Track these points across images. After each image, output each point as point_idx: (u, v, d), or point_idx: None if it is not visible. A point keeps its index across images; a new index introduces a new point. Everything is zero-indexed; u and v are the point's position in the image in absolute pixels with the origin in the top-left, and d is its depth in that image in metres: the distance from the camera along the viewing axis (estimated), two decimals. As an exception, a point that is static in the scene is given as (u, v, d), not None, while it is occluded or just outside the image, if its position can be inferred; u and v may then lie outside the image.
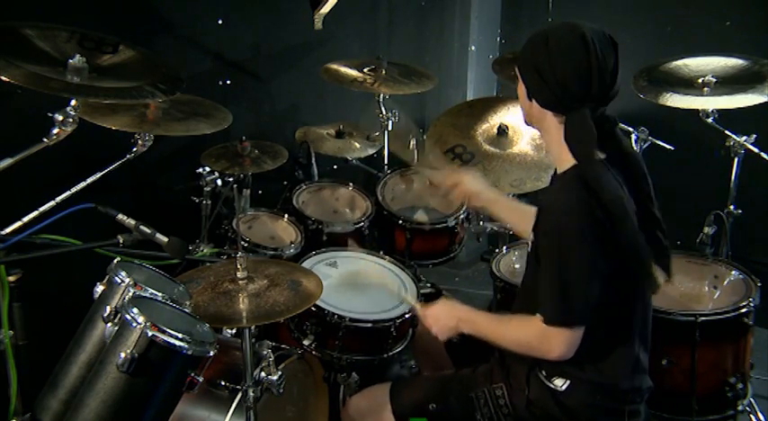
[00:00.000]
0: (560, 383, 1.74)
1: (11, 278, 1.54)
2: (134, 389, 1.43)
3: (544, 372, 1.76)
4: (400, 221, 2.81)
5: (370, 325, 2.18)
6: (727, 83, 2.66)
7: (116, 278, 1.56)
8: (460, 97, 4.15)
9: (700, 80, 2.68)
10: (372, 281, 2.38)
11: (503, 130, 2.59)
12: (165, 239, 1.61)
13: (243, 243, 2.46)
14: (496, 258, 2.63)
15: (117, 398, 1.41)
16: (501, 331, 1.78)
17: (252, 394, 1.78)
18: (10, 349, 1.55)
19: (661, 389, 1.86)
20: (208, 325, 1.58)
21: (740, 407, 2.30)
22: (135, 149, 2.19)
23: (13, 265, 1.54)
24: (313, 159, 3.00)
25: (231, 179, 2.58)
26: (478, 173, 2.19)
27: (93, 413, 1.41)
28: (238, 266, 1.79)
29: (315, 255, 2.44)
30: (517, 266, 2.65)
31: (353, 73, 3.07)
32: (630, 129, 2.83)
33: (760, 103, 2.55)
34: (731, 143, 2.70)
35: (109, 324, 1.47)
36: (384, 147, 3.22)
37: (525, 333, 1.70)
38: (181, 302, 1.58)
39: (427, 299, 2.49)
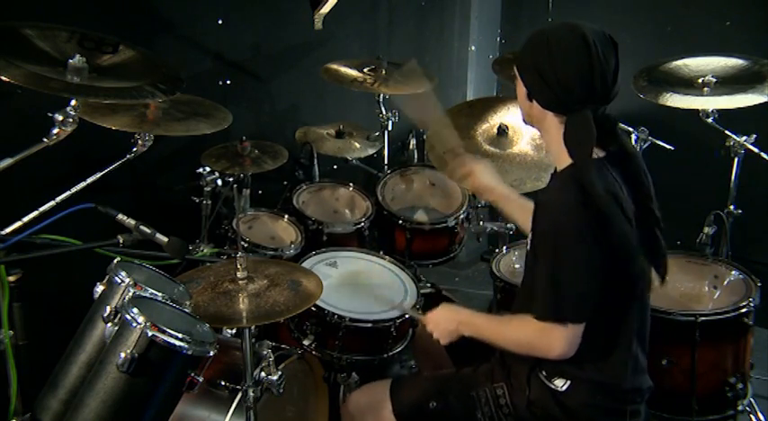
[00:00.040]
0: (560, 384, 1.74)
1: (11, 278, 1.54)
2: (134, 389, 1.43)
3: (544, 373, 1.76)
4: (400, 221, 2.81)
5: (370, 325, 2.18)
6: (727, 83, 2.66)
7: (116, 278, 1.56)
8: (460, 97, 4.15)
9: (700, 80, 2.68)
10: (375, 283, 2.38)
11: (503, 130, 2.59)
12: (165, 239, 1.61)
13: (243, 243, 2.46)
14: (496, 258, 2.63)
15: (117, 398, 1.41)
16: (501, 332, 1.78)
17: (252, 394, 1.78)
18: (10, 349, 1.54)
19: (661, 389, 1.86)
20: (208, 325, 1.58)
21: (740, 407, 2.31)
22: (135, 149, 2.19)
23: (13, 265, 1.54)
24: (315, 160, 3.00)
25: (231, 179, 2.58)
26: (491, 164, 2.15)
27: (93, 413, 1.41)
28: (238, 266, 1.79)
29: (315, 254, 2.44)
30: (517, 266, 2.65)
31: (353, 73, 3.07)
32: (630, 129, 2.83)
33: (760, 103, 2.55)
34: (731, 143, 2.70)
35: (109, 324, 1.47)
36: (384, 147, 3.23)
37: (525, 332, 1.70)
38: (181, 302, 1.58)
39: (427, 299, 2.49)
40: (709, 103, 2.63)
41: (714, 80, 2.66)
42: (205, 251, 2.55)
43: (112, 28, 2.01)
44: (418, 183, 3.09)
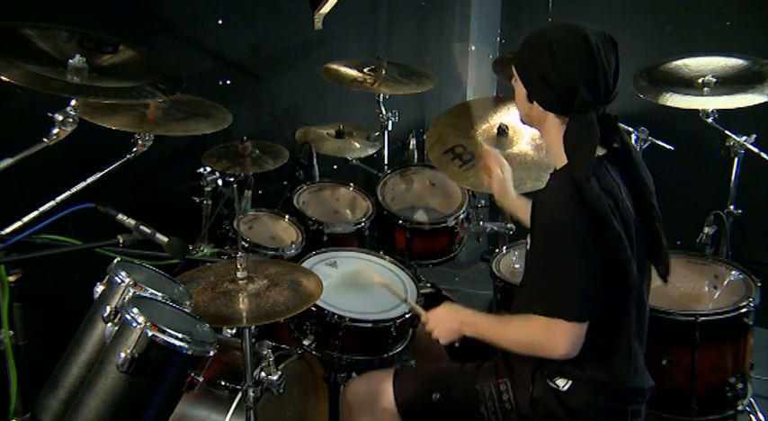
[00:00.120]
0: (562, 383, 1.74)
1: (11, 278, 1.54)
2: (134, 389, 1.43)
3: (546, 372, 1.76)
4: (400, 221, 2.81)
5: (370, 325, 2.18)
6: (727, 83, 2.66)
7: (116, 278, 1.56)
8: (460, 97, 4.15)
9: (700, 80, 2.68)
10: (375, 283, 2.38)
11: (503, 130, 2.59)
12: (165, 239, 1.61)
13: (243, 243, 2.46)
14: (496, 258, 2.63)
15: (117, 398, 1.41)
16: (504, 332, 1.78)
17: (252, 394, 1.78)
18: (10, 349, 1.54)
19: (661, 389, 1.85)
20: (208, 325, 1.58)
21: (740, 407, 2.30)
22: (135, 149, 2.19)
23: (13, 265, 1.54)
24: (315, 160, 3.00)
25: (232, 179, 2.58)
26: (510, 169, 2.18)
27: (93, 413, 1.41)
28: (238, 266, 1.79)
29: (315, 254, 2.44)
30: (517, 266, 2.65)
31: (353, 73, 3.07)
32: (630, 129, 2.83)
33: (760, 103, 2.55)
34: (731, 143, 2.70)
35: (109, 324, 1.47)
36: (384, 147, 3.23)
37: (528, 332, 1.70)
38: (181, 302, 1.58)
39: (427, 299, 2.49)
40: (709, 102, 2.63)
41: (714, 80, 2.66)
42: (205, 251, 2.55)
43: (112, 28, 2.01)
44: (418, 183, 3.09)
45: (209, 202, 2.62)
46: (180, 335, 1.44)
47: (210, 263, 2.04)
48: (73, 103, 1.70)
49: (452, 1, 4.06)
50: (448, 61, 4.14)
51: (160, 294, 1.56)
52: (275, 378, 1.82)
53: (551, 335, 1.64)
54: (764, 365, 2.81)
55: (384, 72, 3.09)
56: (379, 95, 3.16)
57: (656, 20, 3.59)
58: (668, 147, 2.91)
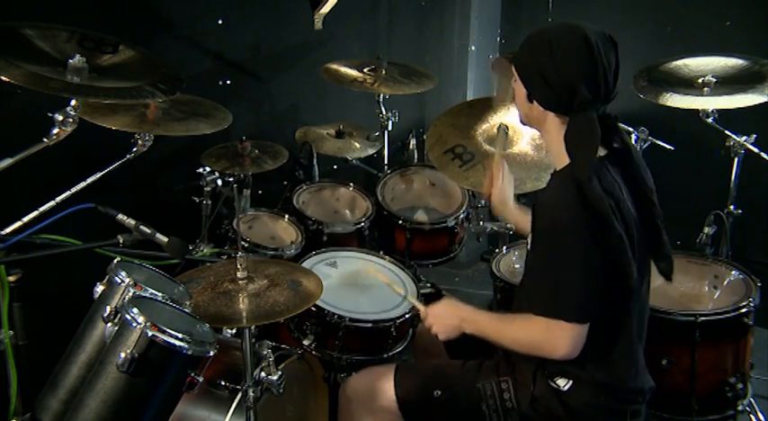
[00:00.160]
0: (563, 383, 1.74)
1: (11, 278, 1.54)
2: (134, 389, 1.43)
3: (548, 372, 1.76)
4: (400, 221, 2.81)
5: (370, 325, 2.18)
6: (727, 83, 2.66)
7: (116, 278, 1.56)
8: (460, 97, 4.15)
9: (700, 80, 2.68)
10: (375, 283, 2.38)
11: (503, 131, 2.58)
12: (165, 239, 1.61)
13: (243, 243, 2.46)
14: (496, 258, 2.63)
15: (117, 398, 1.41)
16: (504, 331, 1.78)
17: (252, 394, 1.78)
18: (10, 349, 1.54)
19: (661, 389, 1.85)
20: (208, 325, 1.58)
21: (740, 407, 2.30)
22: (135, 149, 2.19)
23: (13, 265, 1.54)
24: (315, 160, 3.00)
25: (231, 179, 2.58)
26: (513, 180, 2.21)
27: (93, 413, 1.41)
28: (238, 266, 1.79)
29: (315, 254, 2.44)
30: (517, 266, 2.65)
31: (353, 73, 3.07)
32: (630, 129, 2.83)
33: (760, 103, 2.55)
34: (731, 143, 2.70)
35: (109, 324, 1.47)
36: (384, 147, 3.23)
37: (529, 332, 1.69)
38: (181, 302, 1.58)
39: (427, 299, 2.49)
40: (709, 102, 2.63)
41: (714, 80, 2.66)
42: (205, 251, 2.55)
43: (112, 28, 2.01)
44: (418, 183, 3.09)
45: (209, 202, 2.62)
46: (180, 335, 1.43)
47: (210, 263, 2.04)
48: (73, 102, 1.70)
49: (452, 1, 4.06)
50: (448, 61, 4.14)
51: (160, 294, 1.56)
52: (275, 378, 1.82)
53: (552, 336, 1.64)
54: (764, 365, 2.81)
55: (384, 72, 3.09)
56: (379, 95, 3.17)
57: (656, 20, 3.59)
58: (668, 147, 2.91)
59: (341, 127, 3.17)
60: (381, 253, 2.55)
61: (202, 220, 2.64)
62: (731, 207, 2.78)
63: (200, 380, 1.68)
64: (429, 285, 3.00)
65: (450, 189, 3.00)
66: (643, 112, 2.98)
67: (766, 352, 2.92)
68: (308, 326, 2.20)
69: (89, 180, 1.99)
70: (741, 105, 2.57)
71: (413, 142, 3.51)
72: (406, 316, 2.22)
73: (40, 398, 1.56)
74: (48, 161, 1.80)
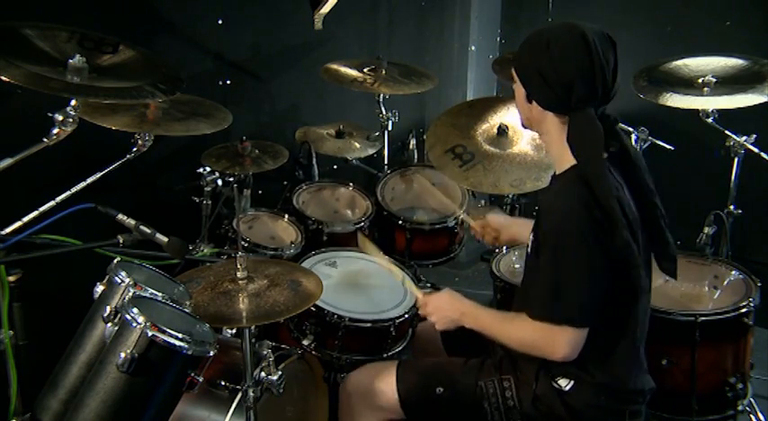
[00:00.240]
0: (564, 383, 1.74)
1: (11, 278, 1.54)
2: (134, 389, 1.43)
3: (550, 372, 1.76)
4: (400, 221, 2.81)
5: (369, 325, 2.18)
6: (727, 83, 2.66)
7: (116, 278, 1.56)
8: (460, 97, 4.15)
9: (700, 80, 2.68)
10: (374, 283, 2.38)
11: (503, 130, 2.58)
12: (165, 239, 1.61)
13: (243, 243, 2.46)
14: (496, 258, 2.63)
15: (117, 398, 1.41)
16: (504, 329, 1.78)
17: (252, 394, 1.78)
18: (10, 349, 1.54)
19: (661, 389, 1.85)
20: (208, 325, 1.58)
21: (740, 407, 2.30)
22: (135, 149, 2.19)
23: (13, 265, 1.54)
24: (314, 160, 3.00)
25: (232, 179, 2.58)
26: (498, 211, 2.32)
27: (93, 413, 1.41)
28: (238, 266, 1.79)
29: (314, 254, 2.44)
30: (517, 266, 2.65)
31: (353, 73, 3.07)
32: (630, 129, 2.83)
33: (760, 103, 2.55)
34: (731, 143, 2.70)
35: (109, 324, 1.47)
36: (384, 147, 3.23)
37: (529, 332, 1.69)
38: (181, 302, 1.58)
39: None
40: (709, 102, 2.63)
41: (714, 80, 2.66)
42: (205, 251, 2.55)
43: (112, 28, 2.01)
44: (418, 183, 3.09)
45: (209, 202, 2.62)
46: (180, 335, 1.44)
47: (210, 263, 2.04)
48: (73, 102, 1.70)
49: (452, 1, 4.06)
50: (448, 61, 4.14)
51: (160, 294, 1.56)
52: (275, 378, 1.82)
53: (551, 338, 1.64)
54: (764, 365, 2.81)
55: (384, 72, 3.09)
56: (379, 95, 3.17)
57: (656, 20, 3.59)
58: (668, 147, 2.91)
59: (341, 127, 3.17)
60: (381, 253, 2.54)
61: (202, 220, 2.64)
62: (731, 207, 2.78)
63: (200, 380, 1.68)
64: (429, 285, 3.00)
65: (450, 189, 3.00)
66: (643, 112, 2.98)
67: (766, 352, 2.92)
68: (307, 326, 2.20)
69: (89, 180, 1.99)
70: (741, 105, 2.57)
71: (413, 142, 3.51)
72: (406, 316, 2.22)
73: (40, 398, 1.56)
74: (48, 161, 1.80)
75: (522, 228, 2.17)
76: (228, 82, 3.01)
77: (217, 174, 2.56)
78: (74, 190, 1.92)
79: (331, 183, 3.07)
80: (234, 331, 2.20)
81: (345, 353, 2.20)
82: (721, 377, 2.27)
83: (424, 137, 2.88)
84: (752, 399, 2.42)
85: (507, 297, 2.42)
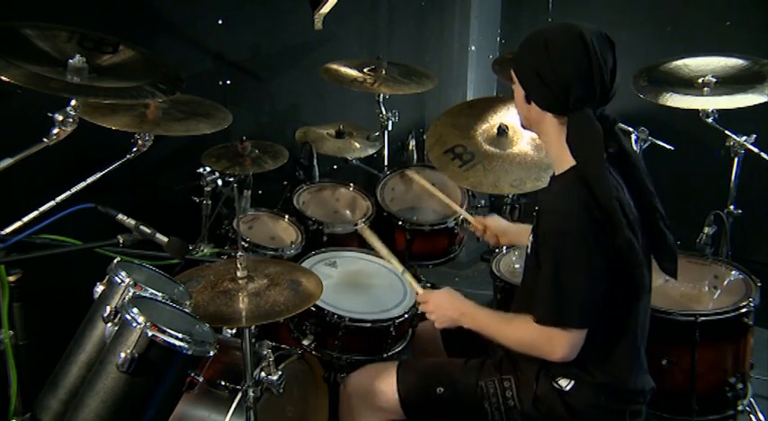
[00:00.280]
0: (565, 383, 1.74)
1: (11, 278, 1.54)
2: (134, 389, 1.43)
3: (550, 372, 1.76)
4: (400, 222, 2.81)
5: (369, 325, 2.18)
6: (727, 83, 2.66)
7: (116, 278, 1.56)
8: (460, 97, 4.15)
9: (700, 80, 2.68)
10: (374, 283, 2.38)
11: (503, 130, 2.59)
12: (165, 239, 1.61)
13: (243, 243, 2.46)
14: (496, 258, 2.63)
15: (117, 398, 1.41)
16: (503, 330, 1.78)
17: (252, 394, 1.78)
18: (10, 349, 1.54)
19: (661, 389, 1.85)
20: (208, 325, 1.58)
21: (740, 407, 2.30)
22: (135, 149, 2.19)
23: (13, 265, 1.54)
24: (315, 160, 3.00)
25: (232, 179, 2.58)
26: (497, 216, 2.34)
27: (93, 413, 1.41)
28: (238, 266, 1.79)
29: (314, 254, 2.44)
30: (517, 266, 2.65)
31: (353, 73, 3.07)
32: (630, 129, 2.83)
33: (760, 103, 2.55)
34: (731, 143, 2.70)
35: (109, 324, 1.47)
36: (384, 147, 3.22)
37: (528, 333, 1.70)
38: (181, 302, 1.58)
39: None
40: (709, 102, 2.63)
41: (714, 80, 2.66)
42: (205, 251, 2.55)
43: (112, 28, 2.01)
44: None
45: (209, 202, 2.62)
46: (180, 335, 1.43)
47: (210, 263, 2.04)
48: (73, 102, 1.70)
49: (452, 1, 4.06)
50: (448, 61, 4.14)
51: (160, 294, 1.56)
52: (275, 378, 1.82)
53: (550, 339, 1.65)
54: (764, 365, 2.81)
55: (384, 72, 3.09)
56: (379, 95, 3.16)
57: (656, 20, 3.59)
58: (668, 147, 2.91)
59: (341, 127, 3.17)
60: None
61: (202, 220, 2.64)
62: (731, 207, 2.78)
63: (200, 380, 1.68)
64: (429, 285, 2.99)
65: (449, 190, 3.00)
66: (643, 112, 2.98)
67: (766, 352, 2.92)
68: (307, 326, 2.20)
69: (89, 180, 1.99)
70: (741, 105, 2.57)
71: (413, 142, 3.51)
72: (406, 316, 2.22)
73: (40, 398, 1.56)
74: (48, 161, 1.80)
75: (521, 235, 2.18)
76: (228, 82, 3.01)
77: (217, 174, 2.56)
78: (74, 190, 1.92)
79: (331, 184, 3.07)
80: (234, 331, 2.20)
81: (345, 353, 2.20)
82: (721, 377, 2.27)
83: (424, 137, 2.87)
84: (752, 399, 2.42)
85: (507, 297, 2.42)
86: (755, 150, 2.68)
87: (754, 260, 2.95)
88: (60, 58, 1.75)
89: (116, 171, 2.10)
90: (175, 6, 2.76)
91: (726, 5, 3.40)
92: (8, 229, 1.64)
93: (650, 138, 2.85)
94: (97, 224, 1.66)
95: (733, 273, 2.46)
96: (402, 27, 3.83)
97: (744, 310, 2.23)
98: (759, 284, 2.34)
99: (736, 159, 2.72)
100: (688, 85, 2.70)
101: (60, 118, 1.69)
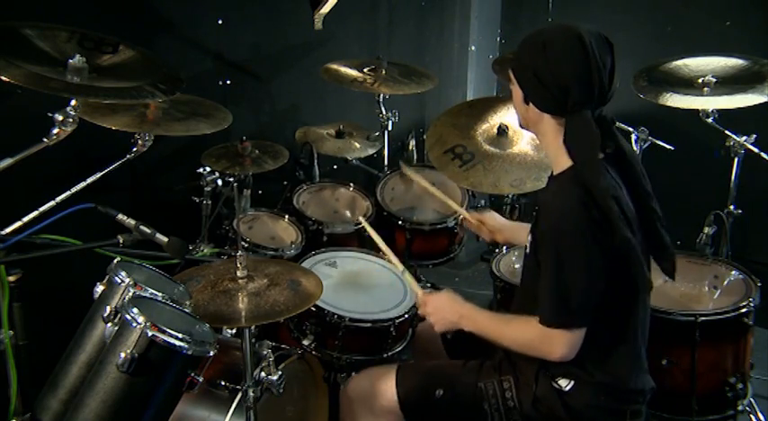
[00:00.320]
0: (564, 384, 1.74)
1: (11, 278, 1.53)
2: (134, 389, 1.43)
3: (550, 372, 1.76)
4: (400, 221, 2.81)
5: (369, 325, 2.18)
6: (727, 83, 2.66)
7: (116, 278, 1.56)
8: (460, 97, 4.15)
9: (700, 80, 2.68)
10: (374, 283, 2.38)
11: (503, 130, 2.59)
12: (165, 239, 1.61)
13: (243, 243, 2.46)
14: (496, 258, 2.63)
15: (117, 398, 1.41)
16: (502, 331, 1.78)
17: (252, 394, 1.78)
18: (10, 349, 1.54)
19: (661, 389, 1.85)
20: (208, 325, 1.58)
21: (740, 407, 2.30)
22: (135, 149, 2.19)
23: (13, 265, 1.54)
24: (315, 160, 3.00)
25: (232, 179, 2.58)
26: (493, 212, 2.32)
27: (93, 413, 1.41)
28: (238, 265, 1.79)
29: (314, 254, 2.44)
30: (517, 266, 2.65)
31: (353, 73, 3.07)
32: (630, 129, 2.83)
33: (760, 103, 2.55)
34: (731, 143, 2.70)
35: (109, 324, 1.47)
36: (384, 147, 3.23)
37: (526, 334, 1.70)
38: (181, 302, 1.58)
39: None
40: (709, 102, 2.63)
41: (714, 80, 2.66)
42: (205, 251, 2.55)
43: (112, 28, 2.01)
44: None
45: (209, 202, 2.62)
46: (180, 335, 1.43)
47: (210, 263, 2.04)
48: (73, 102, 1.70)
49: (452, 1, 4.06)
50: (448, 61, 4.14)
51: (160, 294, 1.56)
52: (275, 378, 1.82)
53: (550, 339, 1.65)
54: (764, 365, 2.81)
55: (384, 72, 3.09)
56: (379, 95, 3.17)
57: (656, 20, 3.59)
58: (668, 147, 2.91)
59: (341, 127, 3.17)
60: (381, 253, 2.54)
61: (202, 220, 2.64)
62: (731, 207, 2.78)
63: (200, 380, 1.68)
64: (429, 285, 3.00)
65: (449, 189, 3.00)
66: (643, 112, 2.98)
67: (766, 352, 2.92)
68: (307, 326, 2.20)
69: (89, 180, 1.99)
70: (741, 105, 2.57)
71: (413, 142, 3.51)
72: (406, 316, 2.22)
73: (40, 398, 1.56)
74: (48, 161, 1.80)
75: (518, 234, 2.18)
76: (228, 82, 3.01)
77: (217, 174, 2.56)
78: (74, 190, 1.92)
79: (331, 184, 3.07)
80: (234, 331, 2.20)
81: (345, 353, 2.20)
82: (721, 377, 2.27)
83: (424, 137, 2.88)
84: (752, 399, 2.42)
85: (507, 297, 2.42)
86: (755, 150, 2.68)
87: (754, 260, 2.95)
88: (60, 58, 1.75)
89: (116, 171, 2.10)
90: (175, 6, 2.76)
91: (726, 5, 3.40)
92: (8, 229, 1.64)
93: (650, 138, 2.85)
94: (97, 224, 1.66)
95: (733, 273, 2.46)
96: (402, 27, 3.83)
97: (744, 310, 2.23)
98: (759, 284, 2.34)
99: (736, 159, 2.72)
100: (688, 85, 2.70)
101: (60, 118, 1.69)
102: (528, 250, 1.78)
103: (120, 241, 1.59)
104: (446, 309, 1.88)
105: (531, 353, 1.72)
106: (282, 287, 1.80)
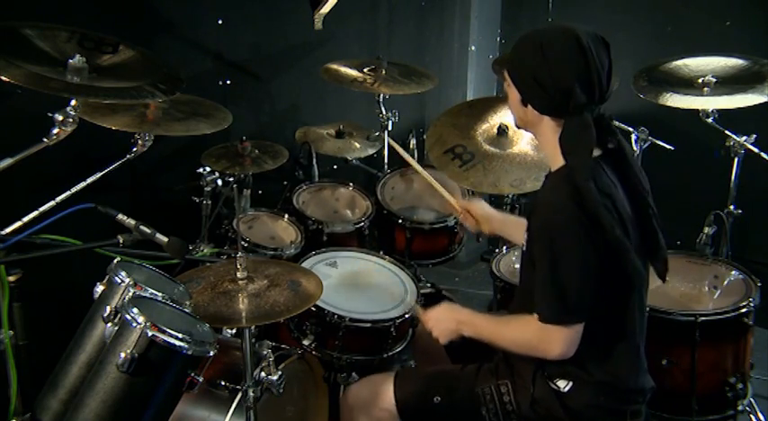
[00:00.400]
0: (563, 385, 1.74)
1: (11, 278, 1.54)
2: (134, 389, 1.43)
3: (547, 373, 1.76)
4: (400, 221, 2.81)
5: (369, 325, 2.18)
6: (727, 83, 2.66)
7: (116, 278, 1.56)
8: (460, 97, 4.15)
9: (700, 80, 2.68)
10: (374, 283, 2.38)
11: (503, 130, 2.59)
12: (165, 239, 1.61)
13: (243, 243, 2.46)
14: (496, 258, 2.63)
15: (117, 398, 1.41)
16: (501, 332, 1.78)
17: (252, 394, 1.78)
18: (10, 349, 1.54)
19: (661, 389, 1.85)
20: (208, 325, 1.58)
21: (740, 407, 2.30)
22: (135, 149, 2.19)
23: (13, 265, 1.54)
24: (314, 160, 3.01)
25: (232, 179, 2.58)
26: (482, 201, 2.27)
27: (93, 413, 1.41)
28: (238, 266, 1.79)
29: (314, 254, 2.44)
30: (517, 266, 2.65)
31: (353, 73, 3.07)
32: (630, 129, 2.83)
33: (760, 103, 2.55)
34: (731, 143, 2.70)
35: (109, 324, 1.47)
36: (384, 147, 3.23)
37: (524, 333, 1.70)
38: (181, 302, 1.58)
39: (427, 298, 2.49)
40: (709, 102, 2.63)
41: (714, 80, 2.66)
42: (205, 251, 2.55)
43: (112, 28, 2.01)
44: (418, 182, 3.09)
45: (209, 202, 2.62)
46: (180, 335, 1.43)
47: (210, 263, 2.04)
48: (73, 102, 1.70)
49: (452, 1, 4.06)
50: (448, 61, 4.14)
51: (160, 294, 1.56)
52: (275, 378, 1.82)
53: (547, 337, 1.65)
54: (764, 365, 2.81)
55: (384, 72, 3.09)
56: (379, 95, 3.16)
57: (656, 20, 3.59)
58: (668, 147, 2.91)
59: (341, 127, 3.17)
60: (381, 253, 2.55)
61: (202, 220, 2.64)
62: (731, 207, 2.78)
63: (200, 380, 1.68)
64: (429, 285, 3.00)
65: (449, 189, 2.99)
66: (643, 112, 2.98)
67: (766, 352, 2.92)
68: (307, 327, 2.20)
69: (89, 180, 1.99)
70: (741, 105, 2.57)
71: (413, 142, 3.51)
72: (406, 316, 2.22)
73: (40, 398, 1.56)
74: (48, 161, 1.80)
75: (506, 226, 2.16)
76: (228, 82, 3.01)
77: (217, 174, 2.56)
78: (74, 190, 1.92)
79: (331, 183, 3.07)
80: (234, 331, 2.20)
81: (346, 354, 2.20)
82: (721, 377, 2.27)
83: (424, 137, 2.87)
84: (752, 399, 2.42)
85: (507, 297, 2.42)
86: (755, 150, 2.68)
87: (754, 260, 2.95)
88: (60, 58, 1.75)
89: (116, 171, 2.10)
90: (175, 6, 2.76)
91: (726, 5, 3.40)
92: (8, 229, 1.64)
93: (650, 138, 2.85)
94: (97, 224, 1.66)
95: (733, 273, 2.46)
96: (402, 27, 3.83)
97: (744, 310, 2.23)
98: (759, 284, 2.34)
99: (736, 159, 2.72)
100: (688, 85, 2.70)
101: (60, 118, 1.69)
102: (524, 247, 1.78)
103: (120, 241, 1.59)
104: (444, 319, 1.89)
105: (530, 352, 1.72)
106: (282, 288, 1.80)
